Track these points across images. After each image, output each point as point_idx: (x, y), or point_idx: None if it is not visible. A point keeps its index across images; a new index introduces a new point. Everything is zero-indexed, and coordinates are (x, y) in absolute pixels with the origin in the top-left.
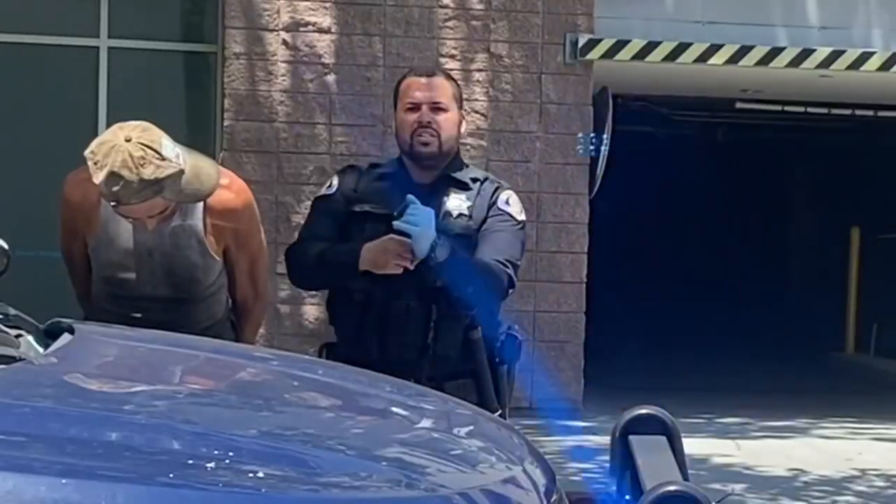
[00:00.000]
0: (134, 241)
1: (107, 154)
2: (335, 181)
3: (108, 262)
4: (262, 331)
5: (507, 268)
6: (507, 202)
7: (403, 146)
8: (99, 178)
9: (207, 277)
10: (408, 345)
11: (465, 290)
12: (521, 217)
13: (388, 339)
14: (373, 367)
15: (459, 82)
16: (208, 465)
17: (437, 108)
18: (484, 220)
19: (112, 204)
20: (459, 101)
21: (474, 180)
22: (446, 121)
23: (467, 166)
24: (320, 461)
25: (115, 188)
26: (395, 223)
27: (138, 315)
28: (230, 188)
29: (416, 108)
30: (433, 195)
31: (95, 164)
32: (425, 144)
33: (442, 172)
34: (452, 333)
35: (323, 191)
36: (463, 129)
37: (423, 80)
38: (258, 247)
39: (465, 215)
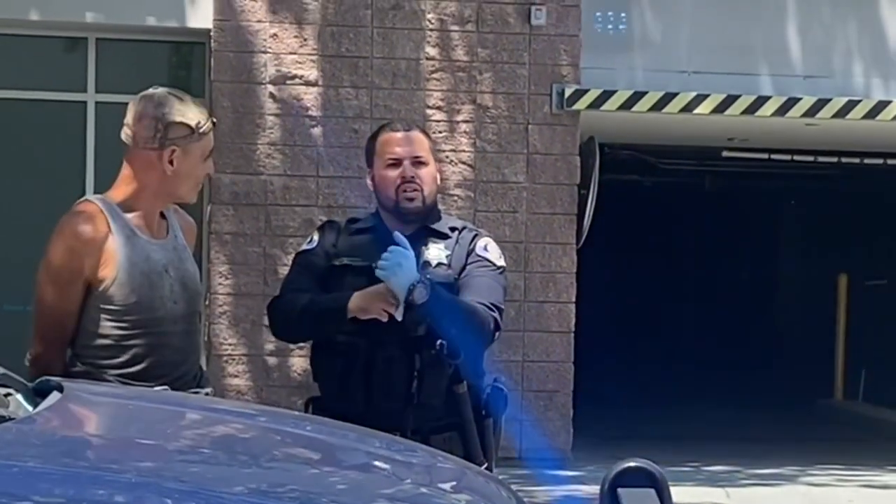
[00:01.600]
0: (154, 260)
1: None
2: (315, 237)
3: (137, 285)
4: (250, 383)
5: (493, 311)
6: (485, 248)
7: (387, 202)
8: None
9: (202, 291)
10: (393, 394)
11: (449, 333)
12: (501, 262)
13: (373, 389)
14: (358, 418)
15: (446, 133)
16: None
17: (417, 161)
18: (463, 268)
19: (210, 127)
20: (433, 152)
21: (452, 229)
22: (427, 174)
23: (442, 217)
24: None
25: (194, 104)
26: (377, 270)
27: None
28: (184, 213)
29: (397, 163)
30: (412, 246)
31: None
32: (411, 200)
33: (421, 224)
34: (437, 382)
35: (304, 246)
36: (438, 180)
37: (401, 135)
38: None
39: (445, 264)
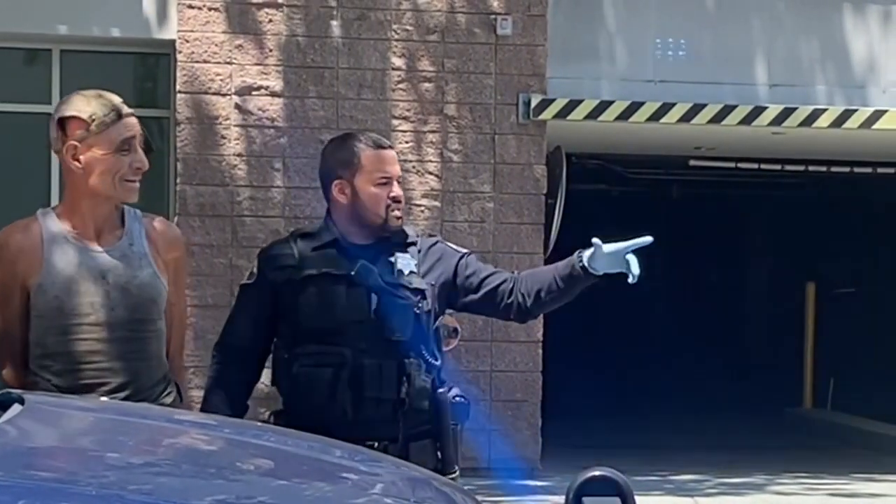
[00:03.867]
0: (86, 266)
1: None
2: (255, 269)
3: (59, 290)
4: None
5: None
6: (456, 250)
7: (375, 219)
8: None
9: (160, 300)
10: (383, 401)
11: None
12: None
13: (363, 397)
14: (344, 429)
15: (412, 143)
16: None
17: (398, 180)
18: (459, 271)
19: (114, 118)
20: None
21: (412, 238)
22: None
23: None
24: None
25: (104, 98)
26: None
27: (93, 351)
28: (166, 222)
29: (388, 182)
30: (378, 256)
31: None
32: (398, 218)
33: (378, 234)
34: (423, 388)
35: (245, 279)
36: None
37: (391, 153)
38: (184, 296)
39: (415, 272)
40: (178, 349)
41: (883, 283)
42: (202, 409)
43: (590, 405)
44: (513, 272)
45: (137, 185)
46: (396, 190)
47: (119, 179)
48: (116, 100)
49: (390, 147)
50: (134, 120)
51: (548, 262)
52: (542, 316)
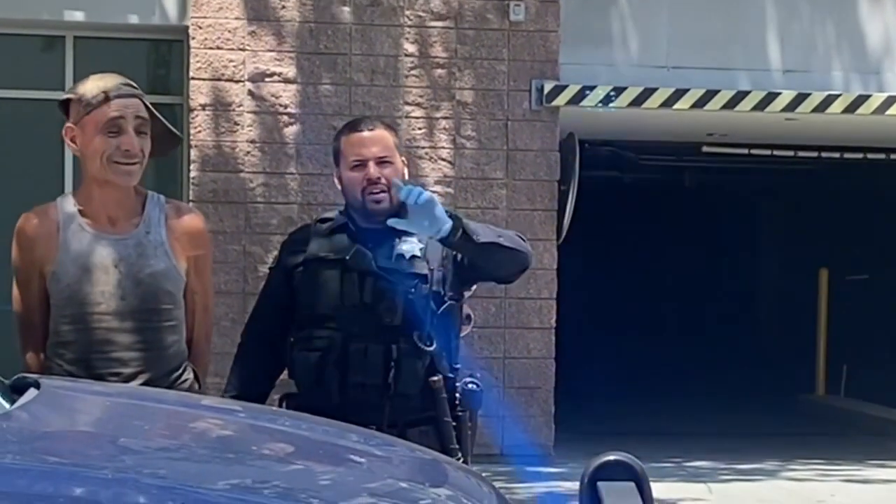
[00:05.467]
0: (99, 254)
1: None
2: (278, 253)
3: (71, 279)
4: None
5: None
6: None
7: (354, 203)
8: (85, 88)
9: (175, 289)
10: (368, 386)
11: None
12: None
13: (349, 381)
14: (334, 412)
15: (425, 130)
16: None
17: (383, 161)
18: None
19: (101, 99)
20: (399, 147)
21: None
22: (393, 172)
23: None
24: None
25: (99, 81)
26: (391, 221)
27: (104, 340)
28: (191, 211)
29: (362, 164)
30: (385, 240)
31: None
32: (378, 201)
33: (391, 217)
34: (413, 373)
35: (270, 265)
36: (406, 175)
37: (366, 134)
38: (211, 283)
39: (418, 257)
40: (202, 337)
41: (895, 270)
42: (224, 392)
43: (603, 392)
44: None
45: (131, 168)
46: (371, 172)
47: (107, 161)
48: (112, 82)
49: (372, 129)
50: (125, 101)
51: (560, 248)
52: (554, 303)
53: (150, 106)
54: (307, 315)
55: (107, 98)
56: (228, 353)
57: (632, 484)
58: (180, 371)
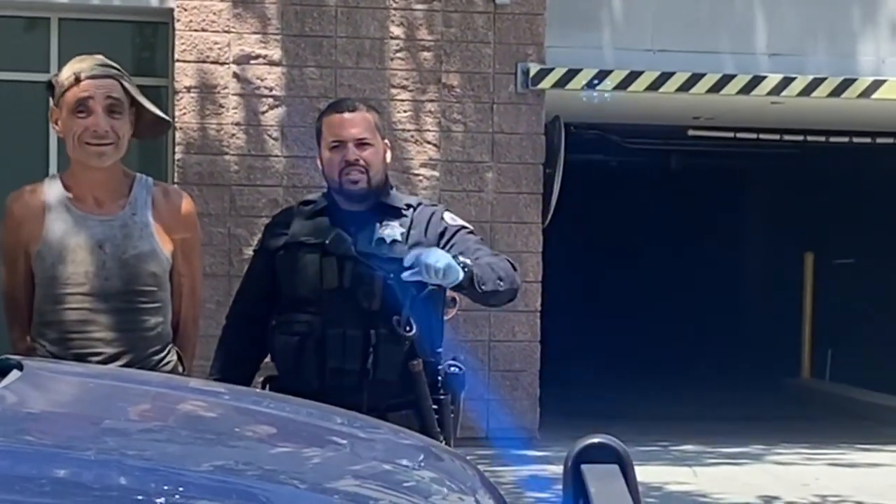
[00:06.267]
0: (83, 235)
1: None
2: (261, 236)
3: (55, 258)
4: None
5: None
6: (453, 218)
7: (333, 184)
8: (63, 71)
9: (160, 271)
10: (346, 371)
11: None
12: (468, 225)
13: (327, 366)
14: (313, 397)
15: (411, 113)
16: (158, 500)
17: (362, 143)
18: (442, 243)
19: (72, 81)
20: (382, 129)
21: (407, 206)
22: (372, 155)
23: (394, 189)
24: (271, 495)
25: (77, 63)
26: (406, 275)
27: (86, 320)
28: (179, 194)
29: (341, 145)
30: (367, 223)
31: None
32: (355, 182)
33: (374, 200)
34: (392, 359)
35: (255, 247)
36: (388, 157)
37: (346, 115)
38: (200, 266)
39: (399, 241)
40: (189, 321)
41: (882, 254)
42: (209, 374)
43: (588, 375)
44: (474, 255)
45: (103, 148)
46: (349, 153)
47: (78, 141)
48: (87, 64)
49: (352, 110)
50: (96, 82)
51: (546, 231)
52: (539, 286)
53: (130, 89)
54: (287, 299)
55: (77, 80)
56: (214, 336)
57: (615, 466)
58: (164, 353)
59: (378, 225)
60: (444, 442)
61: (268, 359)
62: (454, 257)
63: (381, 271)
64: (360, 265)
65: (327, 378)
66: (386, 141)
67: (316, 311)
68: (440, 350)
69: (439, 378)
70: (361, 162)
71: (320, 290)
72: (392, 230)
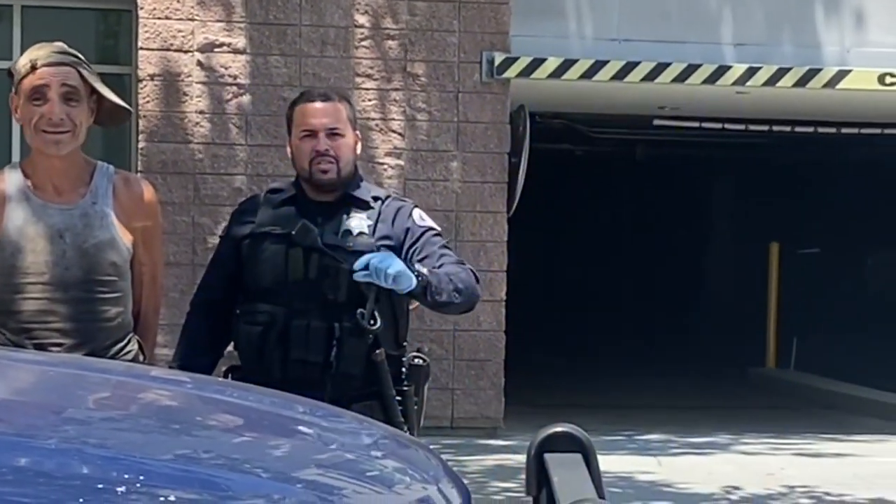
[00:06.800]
0: (43, 224)
1: None
2: (227, 223)
3: (15, 248)
4: (172, 351)
5: (467, 265)
6: (421, 218)
7: (302, 173)
8: (21, 58)
9: (120, 261)
10: (309, 363)
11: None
12: (436, 226)
13: (290, 358)
14: (275, 388)
15: (376, 101)
16: (119, 489)
17: (333, 133)
18: (407, 242)
19: (28, 69)
20: (354, 121)
21: (375, 199)
22: (343, 146)
23: (363, 182)
24: (233, 484)
25: (35, 51)
26: (357, 276)
27: (47, 310)
28: (140, 182)
29: (312, 135)
30: (334, 214)
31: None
32: (324, 172)
33: (342, 191)
34: (355, 351)
35: (220, 234)
36: (358, 149)
37: (318, 105)
38: (161, 255)
39: (366, 234)
40: (150, 310)
41: (847, 244)
42: (171, 361)
43: (553, 365)
44: (437, 262)
45: (59, 136)
46: (320, 143)
47: (34, 129)
48: (44, 51)
49: (325, 100)
50: (52, 69)
51: (511, 220)
52: (504, 276)
53: (88, 77)
54: (252, 288)
55: (34, 67)
56: (178, 325)
57: (578, 455)
58: (124, 343)
59: (345, 216)
60: (407, 433)
61: (230, 347)
62: (409, 264)
63: (347, 264)
64: (326, 257)
65: (290, 369)
66: (357, 132)
67: (280, 302)
68: (406, 343)
69: (403, 370)
70: (332, 152)
71: (285, 281)
72: (359, 222)
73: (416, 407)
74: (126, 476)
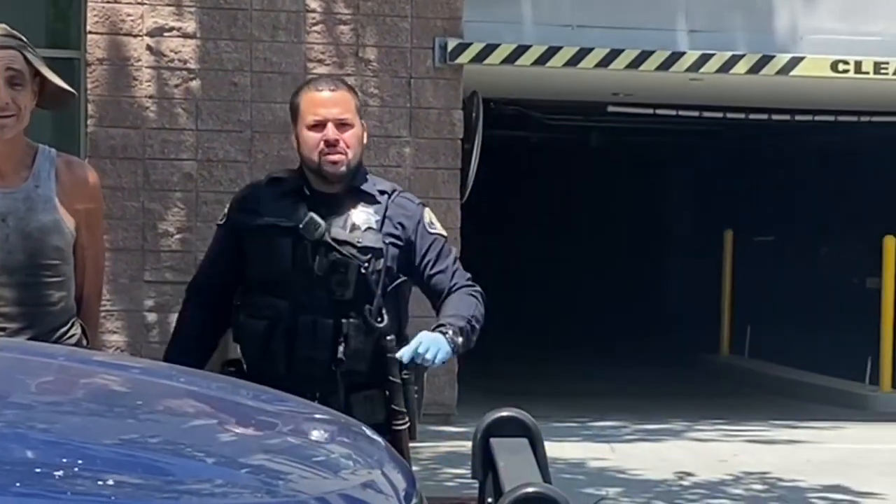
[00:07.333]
0: None
1: None
2: (227, 210)
3: None
4: (128, 339)
5: (477, 287)
6: (431, 224)
7: (311, 165)
8: None
9: (63, 244)
10: (315, 360)
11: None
12: (444, 232)
13: (296, 354)
14: (280, 384)
15: None
16: (57, 473)
17: (342, 124)
18: (419, 252)
19: None
20: (360, 111)
21: (381, 192)
22: (352, 136)
23: (368, 174)
24: (177, 469)
25: None
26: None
27: None
28: (82, 165)
29: (321, 125)
30: (340, 207)
31: None
32: (335, 163)
33: (347, 184)
34: (362, 349)
35: (219, 220)
36: (365, 140)
37: (327, 94)
38: (102, 239)
39: (374, 229)
40: (92, 294)
41: (801, 231)
42: (168, 350)
43: (507, 352)
44: (451, 281)
45: (5, 121)
46: (330, 133)
47: None
48: None
49: (333, 89)
50: None
51: (465, 207)
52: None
53: (32, 60)
54: (256, 280)
55: None
56: (127, 311)
57: (525, 440)
58: (67, 327)
59: (352, 210)
60: (408, 421)
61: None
62: (444, 334)
63: (356, 260)
64: (335, 253)
65: (296, 366)
66: (363, 123)
67: (286, 296)
68: (406, 334)
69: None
70: (342, 143)
71: (292, 275)
72: (366, 217)
73: (416, 395)
74: (64, 460)
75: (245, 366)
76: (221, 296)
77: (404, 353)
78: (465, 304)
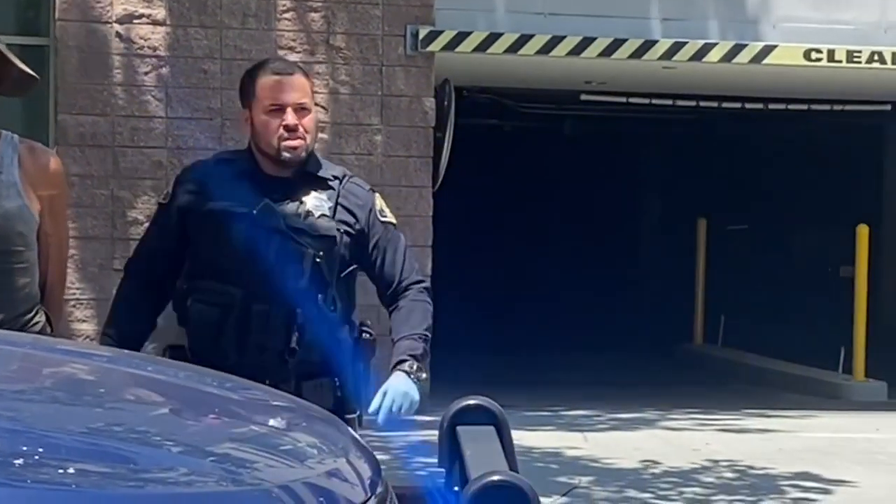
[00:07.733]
0: None
1: None
2: (171, 189)
3: None
4: (97, 327)
5: (426, 285)
6: (382, 212)
7: (268, 149)
8: None
9: (27, 231)
10: (268, 349)
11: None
12: (394, 219)
13: (248, 342)
14: (230, 371)
15: None
16: (18, 461)
17: (300, 108)
18: (371, 239)
19: None
20: (313, 96)
21: (334, 178)
22: (310, 121)
23: (321, 162)
24: (142, 458)
25: None
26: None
27: None
28: (46, 151)
29: (280, 110)
30: (292, 192)
31: None
32: (294, 149)
33: (298, 168)
34: (316, 337)
35: (160, 199)
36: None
37: (286, 79)
38: (66, 225)
39: (327, 216)
40: (56, 282)
41: (774, 220)
42: (104, 329)
43: (480, 341)
44: (402, 284)
45: None
46: (290, 118)
47: None
48: None
49: (291, 73)
50: None
51: (437, 196)
52: (430, 251)
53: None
54: (205, 264)
55: None
56: (97, 299)
57: (491, 428)
58: (32, 314)
59: (304, 195)
60: (357, 412)
61: (160, 322)
62: (409, 374)
63: (312, 249)
64: (290, 241)
65: (247, 354)
66: (316, 107)
67: (239, 284)
68: (356, 322)
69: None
70: (300, 128)
71: (245, 262)
72: (319, 202)
73: (365, 384)
74: (24, 448)
75: (190, 352)
76: (162, 276)
77: (380, 416)
78: (417, 316)
